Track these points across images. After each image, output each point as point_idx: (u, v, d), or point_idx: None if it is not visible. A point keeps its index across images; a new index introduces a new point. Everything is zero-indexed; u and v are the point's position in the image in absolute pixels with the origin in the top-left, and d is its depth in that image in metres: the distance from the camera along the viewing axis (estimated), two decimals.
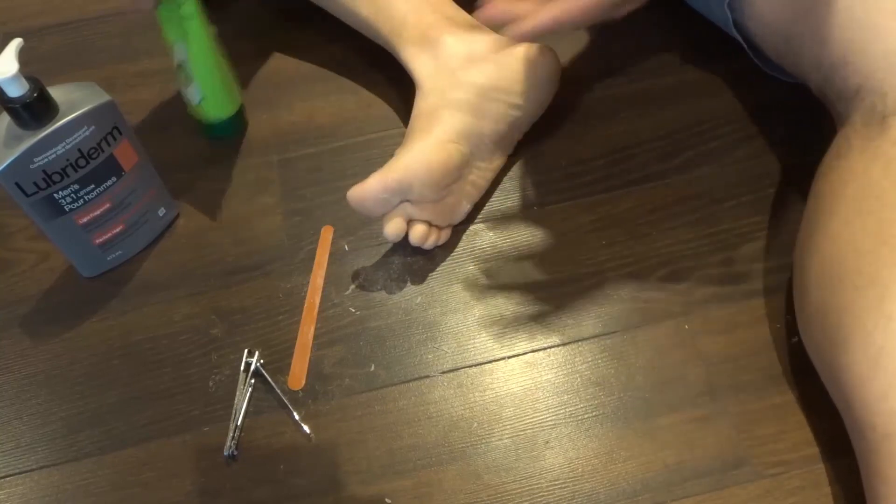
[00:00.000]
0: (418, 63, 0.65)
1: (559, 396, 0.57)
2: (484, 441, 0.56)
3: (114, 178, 0.59)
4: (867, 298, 0.49)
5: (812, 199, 0.57)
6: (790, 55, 0.62)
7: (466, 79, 0.62)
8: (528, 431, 0.56)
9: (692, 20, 0.72)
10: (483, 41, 0.64)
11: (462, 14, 0.67)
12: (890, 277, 0.48)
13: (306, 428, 0.57)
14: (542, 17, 0.53)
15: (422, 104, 0.63)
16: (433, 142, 0.59)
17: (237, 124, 0.65)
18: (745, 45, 0.66)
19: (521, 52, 0.64)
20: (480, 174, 0.64)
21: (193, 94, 0.63)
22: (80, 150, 0.55)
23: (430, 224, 0.62)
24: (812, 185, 0.58)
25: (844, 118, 0.57)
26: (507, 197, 0.67)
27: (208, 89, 0.63)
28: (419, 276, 0.63)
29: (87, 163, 0.57)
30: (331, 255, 0.65)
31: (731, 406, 0.56)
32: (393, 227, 0.60)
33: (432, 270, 0.64)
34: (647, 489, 0.53)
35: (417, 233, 0.61)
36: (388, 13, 0.67)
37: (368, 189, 0.58)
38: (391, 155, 0.61)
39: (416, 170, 0.58)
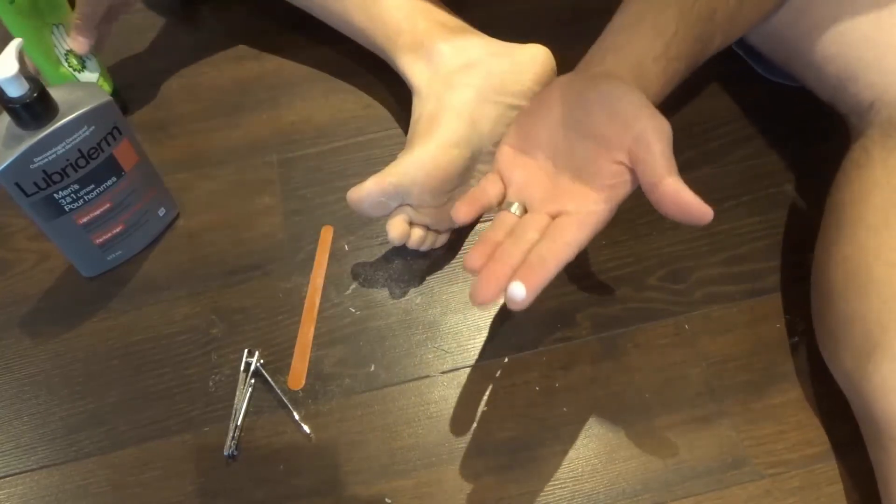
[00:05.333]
0: (414, 70, 0.65)
1: (559, 396, 0.57)
2: (484, 441, 0.56)
3: (114, 178, 0.59)
4: (894, 311, 0.49)
5: (831, 210, 0.57)
6: (794, 70, 0.62)
7: (463, 83, 0.62)
8: (528, 431, 0.56)
9: None
10: (477, 45, 0.64)
11: (454, 19, 0.67)
12: None
13: (306, 428, 0.57)
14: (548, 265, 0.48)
15: (420, 110, 0.63)
16: (433, 147, 0.59)
17: None
18: (744, 56, 0.66)
19: (517, 53, 0.64)
20: (482, 178, 0.64)
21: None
22: (80, 150, 0.55)
23: (428, 228, 0.62)
24: (829, 195, 0.57)
25: (859, 130, 0.57)
26: None
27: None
28: (419, 277, 0.63)
29: (87, 163, 0.57)
30: (331, 255, 0.65)
31: (731, 406, 0.56)
32: (396, 231, 0.60)
33: (432, 270, 0.64)
34: (647, 489, 0.53)
35: (415, 237, 0.61)
36: (382, 21, 0.67)
37: (365, 191, 0.58)
38: (391, 155, 0.61)
39: (416, 175, 0.58)
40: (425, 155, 0.58)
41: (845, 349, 0.52)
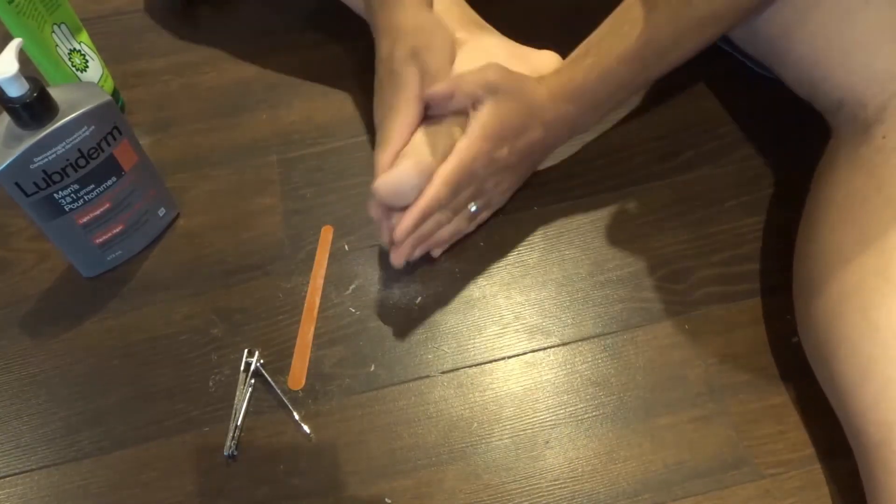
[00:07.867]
0: None
1: (559, 396, 0.57)
2: (484, 441, 0.56)
3: (114, 178, 0.59)
4: (853, 307, 0.49)
5: (806, 209, 0.58)
6: (773, 67, 0.63)
7: None
8: (528, 431, 0.56)
9: None
10: (497, 45, 0.65)
11: (476, 17, 0.67)
12: (874, 285, 0.49)
13: (306, 428, 0.57)
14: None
15: None
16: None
17: None
18: (737, 54, 0.67)
19: (533, 58, 0.64)
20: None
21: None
22: (80, 150, 0.55)
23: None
24: (808, 195, 0.58)
25: (832, 130, 0.58)
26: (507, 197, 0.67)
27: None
28: (419, 276, 0.63)
29: (87, 163, 0.57)
30: (331, 255, 0.65)
31: (731, 406, 0.56)
32: (397, 258, 0.59)
33: (432, 270, 0.64)
34: (647, 489, 0.53)
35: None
36: None
37: (404, 174, 0.55)
38: None
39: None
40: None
41: (816, 348, 0.53)
